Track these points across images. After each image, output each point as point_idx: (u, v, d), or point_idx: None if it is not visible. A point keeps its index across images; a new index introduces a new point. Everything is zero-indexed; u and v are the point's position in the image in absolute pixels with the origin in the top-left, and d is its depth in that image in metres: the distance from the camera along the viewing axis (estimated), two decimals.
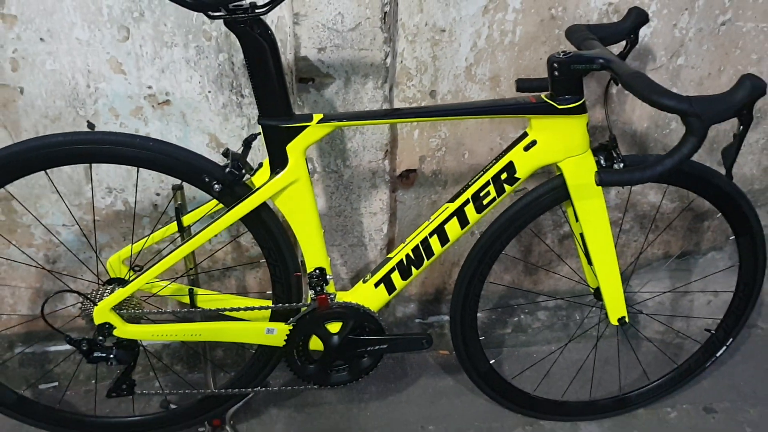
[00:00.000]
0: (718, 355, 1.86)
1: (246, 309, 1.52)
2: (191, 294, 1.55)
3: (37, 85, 1.60)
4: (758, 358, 2.11)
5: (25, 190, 1.73)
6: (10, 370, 1.93)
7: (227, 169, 1.37)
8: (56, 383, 1.94)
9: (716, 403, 1.95)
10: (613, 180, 1.27)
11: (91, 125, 1.66)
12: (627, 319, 1.63)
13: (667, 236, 2.13)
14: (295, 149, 1.36)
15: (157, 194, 1.78)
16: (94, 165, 1.71)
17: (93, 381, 1.91)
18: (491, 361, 1.77)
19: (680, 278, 2.22)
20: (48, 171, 1.64)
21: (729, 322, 1.83)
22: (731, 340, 1.84)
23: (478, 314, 2.09)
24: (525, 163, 1.44)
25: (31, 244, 1.82)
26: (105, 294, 1.45)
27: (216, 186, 1.38)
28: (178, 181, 1.52)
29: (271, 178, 1.38)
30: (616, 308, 1.62)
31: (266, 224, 1.46)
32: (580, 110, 1.37)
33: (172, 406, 1.78)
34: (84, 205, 1.77)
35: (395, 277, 1.55)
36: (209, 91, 1.66)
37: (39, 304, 1.87)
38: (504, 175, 1.45)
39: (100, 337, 1.45)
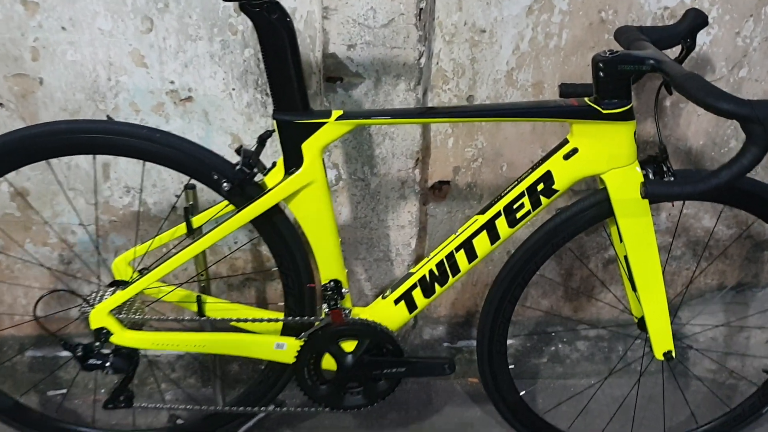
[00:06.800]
0: None
1: (254, 320, 1.42)
2: (199, 302, 1.46)
3: (57, 77, 1.56)
4: None
5: (41, 186, 1.67)
6: (19, 373, 1.87)
7: (238, 167, 1.28)
8: (65, 390, 1.87)
9: None
10: (661, 193, 1.14)
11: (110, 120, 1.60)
12: (674, 354, 1.48)
13: (722, 265, 1.97)
14: (311, 148, 1.26)
15: (176, 196, 1.71)
16: (112, 163, 1.66)
17: (101, 390, 1.84)
18: (522, 393, 1.62)
19: (736, 312, 2.04)
20: (65, 168, 1.60)
21: None
22: None
23: (511, 341, 1.97)
24: (564, 173, 1.31)
25: (45, 242, 1.76)
26: (104, 296, 1.37)
27: (225, 184, 1.29)
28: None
29: (284, 178, 1.29)
30: (662, 341, 1.47)
31: (278, 229, 1.37)
32: (627, 116, 1.24)
33: (180, 421, 1.69)
34: (101, 204, 1.71)
35: (417, 294, 1.43)
36: (233, 89, 1.59)
37: (52, 306, 1.80)
38: (540, 186, 1.32)
39: (97, 343, 1.37)
